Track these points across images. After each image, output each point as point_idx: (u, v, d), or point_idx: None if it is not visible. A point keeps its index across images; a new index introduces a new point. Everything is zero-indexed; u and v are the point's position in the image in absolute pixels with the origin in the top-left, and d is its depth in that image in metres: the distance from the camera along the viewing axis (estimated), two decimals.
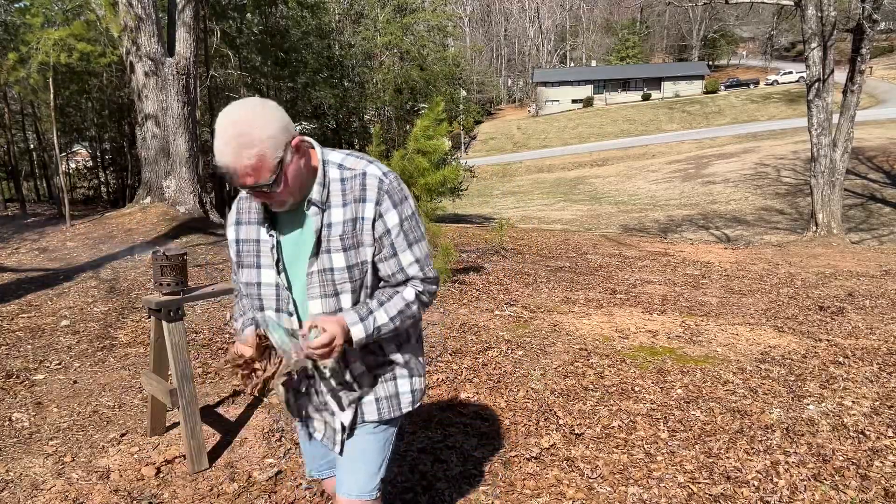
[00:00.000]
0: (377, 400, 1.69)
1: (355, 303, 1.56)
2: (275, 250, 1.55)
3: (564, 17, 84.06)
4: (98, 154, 22.47)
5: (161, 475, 2.96)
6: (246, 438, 3.28)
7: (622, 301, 6.23)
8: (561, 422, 3.40)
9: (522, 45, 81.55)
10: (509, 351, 4.55)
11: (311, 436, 1.82)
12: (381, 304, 1.54)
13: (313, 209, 1.51)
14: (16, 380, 4.09)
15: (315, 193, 1.52)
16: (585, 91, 64.93)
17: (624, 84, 65.27)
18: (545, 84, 66.12)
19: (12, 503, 2.73)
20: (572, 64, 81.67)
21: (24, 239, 8.72)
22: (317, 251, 1.52)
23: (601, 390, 3.82)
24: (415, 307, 1.60)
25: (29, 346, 4.70)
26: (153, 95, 9.91)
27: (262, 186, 1.41)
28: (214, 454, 3.12)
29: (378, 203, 1.52)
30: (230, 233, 1.66)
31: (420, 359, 1.77)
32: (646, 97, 62.86)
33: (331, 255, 1.52)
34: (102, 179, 23.21)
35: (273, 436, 3.29)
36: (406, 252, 1.57)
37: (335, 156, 1.57)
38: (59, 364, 4.40)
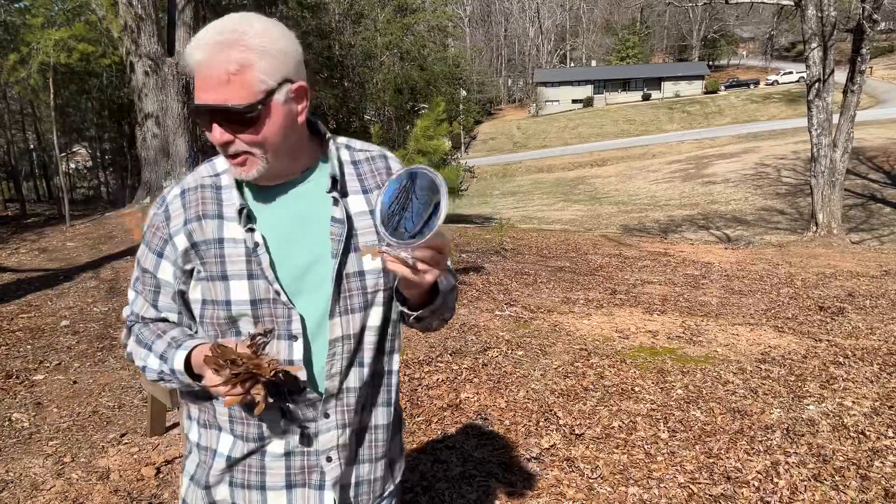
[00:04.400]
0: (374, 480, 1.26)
1: (385, 321, 1.19)
2: (260, 250, 1.09)
3: (564, 17, 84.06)
4: (98, 154, 22.48)
5: (161, 475, 2.95)
6: None
7: (622, 301, 6.23)
8: (561, 422, 3.40)
9: (522, 45, 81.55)
10: (509, 351, 4.55)
11: None
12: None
13: (333, 194, 1.13)
14: (16, 380, 4.08)
15: (331, 169, 1.14)
16: (585, 91, 64.92)
17: (624, 84, 65.25)
18: (545, 84, 66.11)
19: (12, 503, 2.73)
20: (572, 64, 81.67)
21: (24, 239, 8.72)
22: (346, 248, 1.12)
23: (601, 390, 3.82)
24: (454, 295, 1.24)
25: (29, 347, 4.70)
26: (153, 95, 9.92)
27: (231, 110, 1.00)
28: None
29: None
30: (184, 236, 1.11)
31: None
32: (646, 97, 62.85)
33: (358, 255, 1.13)
34: (102, 179, 23.22)
35: None
36: None
37: (339, 137, 1.24)
38: (59, 364, 4.40)
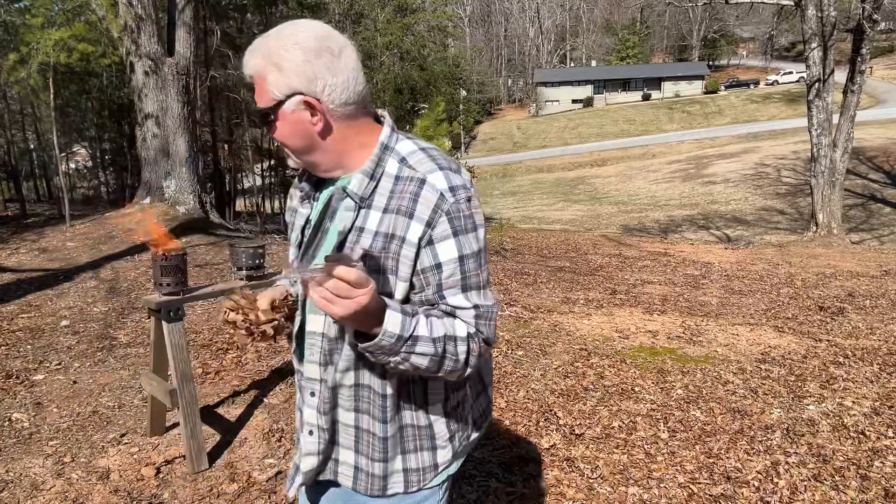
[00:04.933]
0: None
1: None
2: (305, 228, 1.27)
3: (564, 17, 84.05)
4: (98, 154, 22.48)
5: (161, 475, 2.95)
6: (246, 439, 3.28)
7: (622, 301, 6.23)
8: (561, 422, 3.40)
9: (522, 45, 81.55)
10: (509, 351, 4.55)
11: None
12: (427, 316, 1.11)
13: (348, 201, 1.16)
14: (16, 380, 4.08)
15: (355, 183, 1.16)
16: (585, 91, 64.92)
17: (624, 84, 65.25)
18: (545, 84, 66.11)
19: (12, 503, 2.73)
20: (572, 64, 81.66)
21: (24, 239, 8.72)
22: None
23: (601, 390, 3.82)
24: (461, 349, 1.12)
25: (29, 347, 4.70)
26: (153, 95, 9.92)
27: (260, 111, 1.17)
28: (214, 454, 3.12)
29: (430, 225, 1.11)
30: (289, 199, 1.41)
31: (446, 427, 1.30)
32: (646, 97, 62.85)
33: None
34: (102, 179, 23.22)
35: (273, 436, 3.29)
36: (458, 296, 1.15)
37: (406, 146, 1.20)
38: (59, 364, 4.39)
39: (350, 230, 1.16)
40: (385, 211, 1.14)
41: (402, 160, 1.17)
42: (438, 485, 1.31)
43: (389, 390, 1.21)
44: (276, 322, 1.25)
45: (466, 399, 1.33)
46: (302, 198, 1.30)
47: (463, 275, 1.14)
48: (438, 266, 1.13)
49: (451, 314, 1.15)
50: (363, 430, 1.25)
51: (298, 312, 1.28)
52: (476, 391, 1.38)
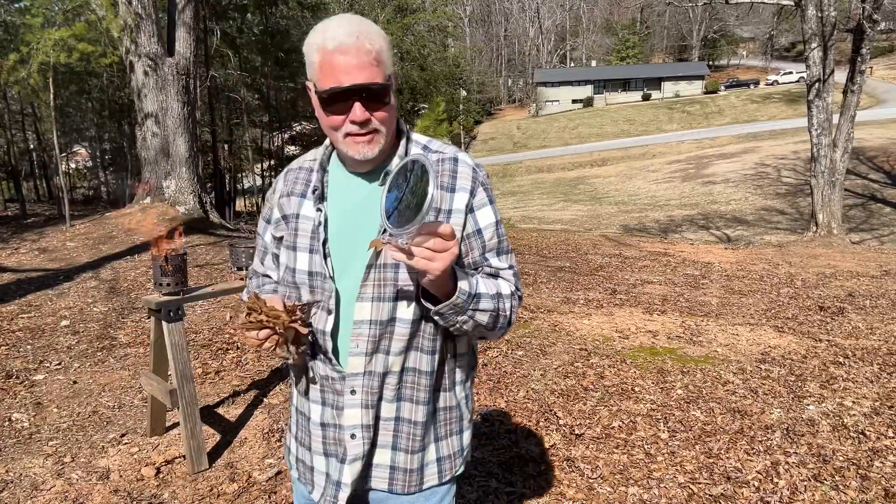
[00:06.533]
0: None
1: (413, 317, 1.24)
2: (321, 229, 1.25)
3: (564, 17, 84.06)
4: (98, 154, 22.48)
5: (161, 475, 2.95)
6: (246, 439, 3.28)
7: (622, 301, 6.23)
8: (561, 422, 3.40)
9: (522, 45, 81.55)
10: (509, 351, 4.55)
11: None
12: (481, 277, 1.23)
13: (382, 183, 1.22)
14: (16, 380, 4.08)
15: (393, 165, 1.25)
16: (585, 91, 64.92)
17: (624, 84, 65.25)
18: (545, 84, 66.10)
19: (12, 503, 2.73)
20: (572, 64, 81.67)
21: (24, 239, 8.72)
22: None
23: (601, 390, 3.82)
24: (507, 305, 1.25)
25: (29, 347, 4.70)
26: (153, 95, 9.92)
27: (376, 87, 1.16)
28: (214, 454, 3.12)
29: (472, 194, 1.25)
30: (278, 208, 1.34)
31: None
32: (646, 97, 62.85)
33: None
34: (102, 179, 23.22)
35: (273, 436, 3.29)
36: (498, 258, 1.29)
37: (419, 136, 1.33)
38: (59, 364, 4.39)
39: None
40: None
41: (425, 147, 1.29)
42: (459, 475, 1.40)
43: (434, 367, 1.29)
44: (300, 319, 1.19)
45: (474, 378, 1.43)
46: (316, 199, 1.27)
47: (499, 238, 1.29)
48: (480, 231, 1.26)
49: (495, 275, 1.28)
50: (403, 421, 1.29)
51: (326, 311, 1.25)
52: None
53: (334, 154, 1.33)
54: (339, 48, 1.14)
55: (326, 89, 1.16)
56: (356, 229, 1.24)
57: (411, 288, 1.21)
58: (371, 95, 1.17)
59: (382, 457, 1.29)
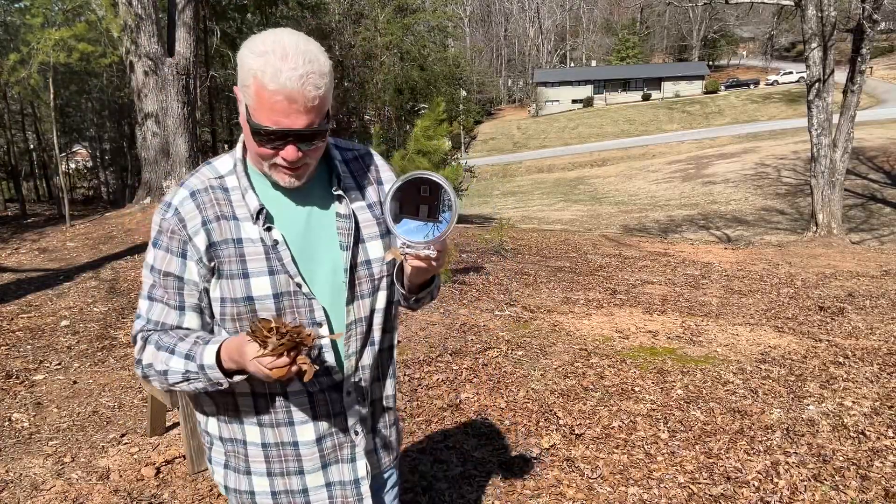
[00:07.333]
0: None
1: (389, 302, 1.32)
2: (280, 248, 1.17)
3: (564, 17, 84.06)
4: (98, 154, 22.49)
5: (161, 475, 2.95)
6: None
7: (622, 301, 6.23)
8: (561, 422, 3.40)
9: (522, 46, 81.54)
10: (509, 351, 4.55)
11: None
12: None
13: (337, 188, 1.25)
14: (16, 380, 4.08)
15: (334, 170, 1.26)
16: (585, 91, 64.91)
17: (624, 84, 65.24)
18: (545, 84, 66.10)
19: (12, 503, 2.73)
20: (572, 64, 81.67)
21: (24, 239, 8.72)
22: (356, 240, 1.24)
23: (601, 390, 3.82)
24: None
25: (29, 347, 4.70)
26: (153, 95, 9.92)
27: (316, 133, 1.10)
28: None
29: (390, 179, 1.34)
30: (202, 236, 1.16)
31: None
32: (646, 97, 62.84)
33: (366, 245, 1.26)
34: (102, 179, 23.22)
35: None
36: None
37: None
38: (59, 364, 4.39)
39: (353, 212, 1.27)
40: (361, 188, 1.30)
41: (337, 147, 1.31)
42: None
43: (393, 342, 1.40)
44: (300, 328, 1.03)
45: None
46: (264, 219, 1.17)
47: None
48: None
49: None
50: (378, 400, 1.36)
51: (317, 324, 1.21)
52: None
53: (251, 166, 1.22)
54: (282, 90, 1.04)
55: (261, 125, 1.08)
56: (312, 239, 1.21)
57: (383, 278, 1.29)
58: (308, 137, 1.11)
59: (366, 444, 1.35)
